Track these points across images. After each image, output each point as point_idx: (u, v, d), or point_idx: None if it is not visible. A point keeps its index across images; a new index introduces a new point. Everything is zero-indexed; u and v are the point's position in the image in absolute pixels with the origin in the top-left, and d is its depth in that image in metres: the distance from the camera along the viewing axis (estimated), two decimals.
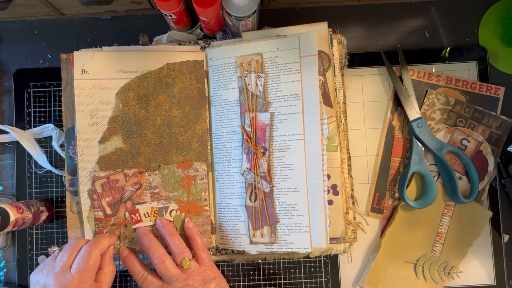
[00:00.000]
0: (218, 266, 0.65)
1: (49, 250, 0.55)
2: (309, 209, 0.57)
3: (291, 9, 0.68)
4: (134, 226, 0.59)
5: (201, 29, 0.66)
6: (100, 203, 0.59)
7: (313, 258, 0.65)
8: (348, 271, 0.66)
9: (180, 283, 0.53)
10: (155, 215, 0.59)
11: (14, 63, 0.68)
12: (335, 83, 0.61)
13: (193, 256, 0.57)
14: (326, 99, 0.60)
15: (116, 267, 0.60)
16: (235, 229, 0.60)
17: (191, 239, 0.58)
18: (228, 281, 0.65)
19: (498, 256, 0.66)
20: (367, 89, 0.67)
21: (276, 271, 0.66)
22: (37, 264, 0.64)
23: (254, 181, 0.59)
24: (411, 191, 0.65)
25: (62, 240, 0.65)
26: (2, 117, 0.68)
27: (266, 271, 0.66)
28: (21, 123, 0.66)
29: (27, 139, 0.64)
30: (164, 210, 0.60)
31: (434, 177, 0.64)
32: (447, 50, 0.68)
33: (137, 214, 0.59)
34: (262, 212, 0.59)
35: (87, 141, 0.59)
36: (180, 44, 0.63)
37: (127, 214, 0.59)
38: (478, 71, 0.67)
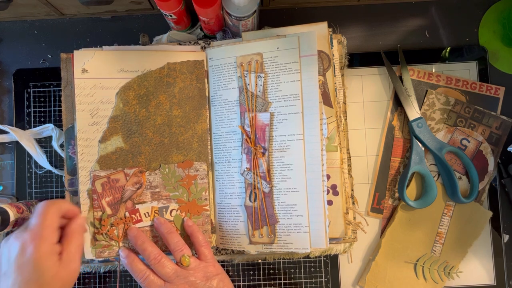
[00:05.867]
0: None
1: None
2: (309, 209, 0.57)
3: (291, 9, 0.69)
4: (134, 226, 0.59)
5: (201, 29, 0.66)
6: (100, 203, 0.59)
7: (313, 258, 0.65)
8: (348, 271, 0.66)
9: (182, 280, 0.53)
10: (156, 214, 0.59)
11: (14, 63, 0.68)
12: (335, 83, 0.61)
13: (193, 253, 0.57)
14: (326, 99, 0.60)
15: (117, 267, 0.60)
16: (234, 229, 0.60)
17: (192, 236, 0.58)
18: None
19: (498, 256, 0.66)
20: (367, 89, 0.67)
21: (276, 271, 0.66)
22: None
23: (254, 181, 0.59)
24: (411, 191, 0.65)
25: None
26: (2, 117, 0.68)
27: (266, 271, 0.66)
28: (21, 123, 0.66)
29: (27, 139, 0.64)
30: (164, 209, 0.60)
31: (434, 177, 0.64)
32: (447, 50, 0.68)
33: (137, 214, 0.59)
34: (262, 212, 0.59)
35: (87, 141, 0.59)
36: (180, 44, 0.63)
37: (127, 213, 0.59)
38: (478, 71, 0.67)
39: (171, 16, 0.60)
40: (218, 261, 0.64)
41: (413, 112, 0.64)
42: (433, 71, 0.67)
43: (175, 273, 0.53)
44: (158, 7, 0.59)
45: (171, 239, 0.56)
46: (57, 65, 0.67)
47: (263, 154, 0.59)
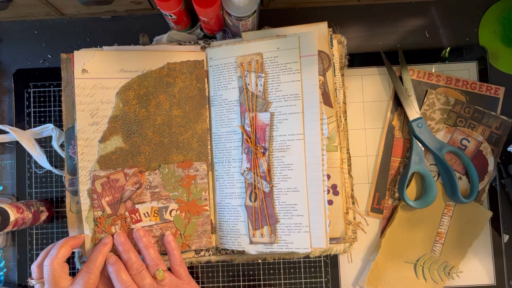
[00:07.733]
0: (218, 266, 0.65)
1: (28, 281, 0.60)
2: (309, 209, 0.57)
3: (291, 9, 0.69)
4: (133, 226, 0.59)
5: (201, 29, 0.66)
6: (100, 203, 0.59)
7: (313, 258, 0.65)
8: (348, 271, 0.66)
9: None
10: (155, 214, 0.59)
11: (14, 63, 0.68)
12: (335, 83, 0.61)
13: (168, 268, 0.58)
14: (326, 99, 0.60)
15: None
16: (235, 229, 0.60)
17: (169, 254, 0.58)
18: (228, 281, 0.65)
19: (498, 256, 0.66)
20: (367, 89, 0.67)
21: (276, 271, 0.65)
22: None
23: (254, 181, 0.59)
24: (411, 191, 0.65)
25: None
26: (2, 117, 0.68)
27: (266, 271, 0.65)
28: (21, 123, 0.66)
29: (27, 139, 0.64)
30: (164, 209, 0.60)
31: (434, 177, 0.64)
32: (447, 50, 0.68)
33: (137, 214, 0.59)
34: (262, 212, 0.59)
35: (87, 141, 0.59)
36: (180, 44, 0.63)
37: (127, 213, 0.59)
38: (478, 71, 0.67)
39: (171, 16, 0.60)
40: (218, 262, 0.64)
41: (413, 112, 0.64)
42: (433, 71, 0.67)
43: (152, 286, 0.55)
44: (158, 7, 0.59)
45: (148, 254, 0.57)
46: (57, 65, 0.67)
47: (264, 154, 0.59)
